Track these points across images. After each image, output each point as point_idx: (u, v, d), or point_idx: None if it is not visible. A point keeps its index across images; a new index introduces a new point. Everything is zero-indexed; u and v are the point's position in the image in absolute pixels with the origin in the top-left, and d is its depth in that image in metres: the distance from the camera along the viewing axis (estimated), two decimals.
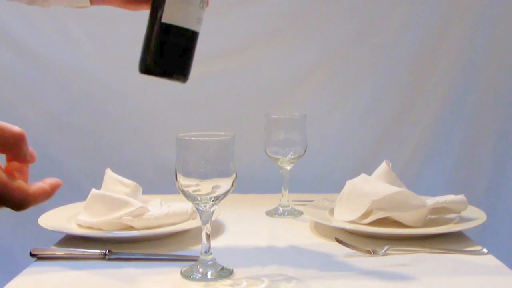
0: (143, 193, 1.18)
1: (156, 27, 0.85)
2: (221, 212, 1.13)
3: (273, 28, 1.58)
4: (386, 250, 0.97)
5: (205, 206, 0.86)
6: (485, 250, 0.98)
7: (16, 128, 0.61)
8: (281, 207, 1.27)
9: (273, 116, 1.25)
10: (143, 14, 1.55)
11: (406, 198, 1.06)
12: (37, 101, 1.58)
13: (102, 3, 0.89)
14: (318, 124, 1.55)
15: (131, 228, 1.06)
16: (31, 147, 1.62)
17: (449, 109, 1.60)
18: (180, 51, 0.85)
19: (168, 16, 0.84)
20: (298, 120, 1.25)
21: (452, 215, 1.11)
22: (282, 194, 1.27)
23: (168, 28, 0.84)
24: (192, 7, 0.84)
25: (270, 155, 1.25)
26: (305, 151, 1.24)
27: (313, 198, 1.26)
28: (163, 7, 0.84)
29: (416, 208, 1.06)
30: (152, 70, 0.84)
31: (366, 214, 1.07)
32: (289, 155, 1.24)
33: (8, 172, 0.59)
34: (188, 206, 1.11)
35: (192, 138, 0.85)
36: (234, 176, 0.85)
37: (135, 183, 1.15)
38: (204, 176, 0.84)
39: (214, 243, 0.93)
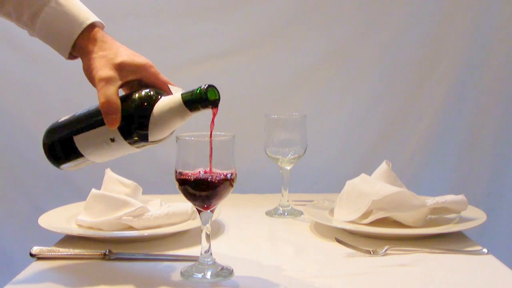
0: (143, 193, 1.18)
1: (70, 131, 0.87)
2: (221, 212, 1.13)
3: (273, 28, 1.58)
4: (386, 250, 0.97)
5: None
6: (485, 250, 0.98)
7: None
8: (281, 207, 1.27)
9: (273, 116, 1.25)
10: (143, 16, 1.56)
11: (406, 198, 1.06)
12: (37, 101, 1.58)
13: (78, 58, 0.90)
14: (318, 124, 1.55)
15: (131, 228, 1.07)
16: (31, 147, 1.63)
17: (449, 109, 1.60)
18: (72, 161, 0.89)
19: (79, 140, 0.85)
20: (298, 120, 1.25)
21: (452, 215, 1.11)
22: (282, 194, 1.27)
23: (73, 145, 0.86)
24: (102, 155, 0.86)
25: (270, 155, 1.25)
26: (305, 151, 1.24)
27: (313, 198, 1.27)
28: (83, 131, 0.85)
29: (416, 208, 1.06)
30: (43, 146, 0.92)
31: (366, 214, 1.07)
32: (289, 155, 1.24)
33: None
34: (188, 206, 1.11)
35: (192, 138, 0.85)
36: (234, 176, 0.85)
37: (135, 183, 1.16)
38: None
39: (214, 243, 0.93)
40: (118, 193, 1.11)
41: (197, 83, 1.63)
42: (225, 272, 0.87)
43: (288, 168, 1.25)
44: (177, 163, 0.85)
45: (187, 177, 0.83)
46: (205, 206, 0.86)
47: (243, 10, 1.56)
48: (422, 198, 1.08)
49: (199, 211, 0.86)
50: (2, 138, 1.57)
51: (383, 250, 0.97)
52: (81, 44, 0.85)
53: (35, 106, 1.58)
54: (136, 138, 0.82)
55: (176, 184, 0.85)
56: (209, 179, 0.83)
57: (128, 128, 0.81)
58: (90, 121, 0.85)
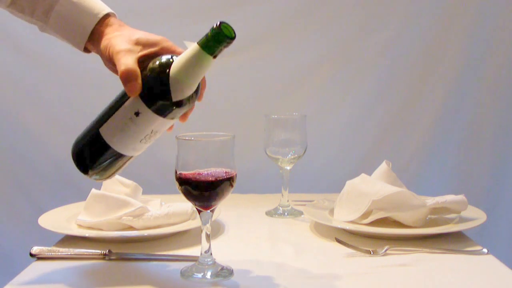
0: (143, 193, 1.18)
1: (95, 126, 0.83)
2: (221, 212, 1.13)
3: (273, 28, 1.58)
4: (386, 250, 0.97)
5: None
6: (485, 250, 0.98)
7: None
8: (281, 207, 1.27)
9: (273, 116, 1.25)
10: (143, 16, 1.56)
11: (406, 198, 1.06)
12: (37, 101, 1.58)
13: (95, 52, 0.88)
14: (318, 124, 1.55)
15: (131, 228, 1.07)
16: (31, 147, 1.62)
17: (449, 109, 1.60)
18: (102, 161, 0.83)
19: (105, 130, 0.81)
20: (298, 120, 1.25)
21: (452, 215, 1.11)
22: (282, 194, 1.27)
23: (100, 139, 0.81)
24: (131, 139, 0.81)
25: (270, 155, 1.25)
26: (305, 151, 1.24)
27: (313, 198, 1.27)
28: (107, 119, 0.81)
29: (416, 208, 1.06)
30: (72, 156, 0.85)
31: (366, 214, 1.07)
32: (289, 155, 1.24)
33: None
34: (188, 206, 1.11)
35: (192, 138, 0.85)
36: (234, 176, 0.85)
37: (135, 183, 1.16)
38: None
39: (214, 243, 0.93)
40: (118, 193, 1.11)
41: None
42: (225, 272, 0.87)
43: (288, 168, 1.25)
44: (177, 163, 0.85)
45: (187, 177, 0.83)
46: (205, 206, 0.86)
47: (242, 10, 1.56)
48: (422, 198, 1.08)
49: (199, 211, 0.87)
50: (2, 138, 1.57)
51: (383, 250, 0.97)
52: (97, 31, 0.84)
53: (35, 106, 1.58)
54: (159, 102, 0.78)
55: (176, 184, 0.85)
56: (209, 179, 0.83)
57: (149, 93, 0.78)
58: (112, 107, 0.82)
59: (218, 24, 0.76)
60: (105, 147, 0.82)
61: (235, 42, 0.81)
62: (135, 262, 0.95)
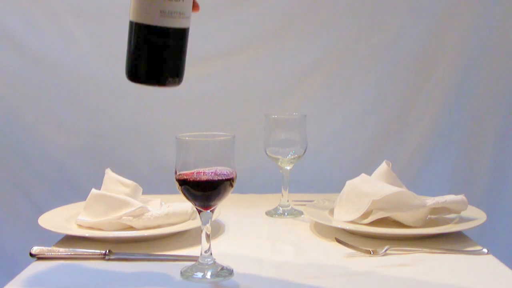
0: (143, 193, 1.18)
1: (128, 28, 0.76)
2: (221, 212, 1.13)
3: (273, 28, 1.58)
4: (386, 250, 0.97)
5: None
6: (485, 250, 0.98)
7: None
8: (281, 207, 1.27)
9: (273, 116, 1.25)
10: None
11: (406, 198, 1.06)
12: (37, 101, 1.58)
13: None
14: (318, 124, 1.54)
15: (131, 228, 1.07)
16: (31, 147, 1.62)
17: (449, 109, 1.60)
18: (148, 52, 0.76)
19: (133, 12, 0.75)
20: (298, 120, 1.25)
21: (452, 215, 1.11)
22: (282, 194, 1.27)
23: (135, 26, 0.75)
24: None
25: (270, 155, 1.25)
26: (305, 151, 1.24)
27: (313, 198, 1.26)
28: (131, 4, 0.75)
29: (416, 208, 1.06)
30: (128, 77, 0.77)
31: (366, 214, 1.07)
32: (289, 155, 1.24)
33: None
34: (188, 206, 1.11)
35: (192, 138, 0.86)
36: (234, 176, 0.85)
37: (135, 183, 1.16)
38: None
39: (214, 243, 0.93)
40: (118, 193, 1.11)
41: (197, 83, 1.64)
42: (225, 272, 0.87)
43: (288, 168, 1.25)
44: (177, 163, 0.85)
45: (187, 177, 0.83)
46: (205, 206, 0.86)
47: (242, 10, 1.56)
48: (422, 198, 1.08)
49: (199, 211, 0.87)
50: (2, 138, 1.57)
51: (383, 250, 0.97)
52: None
53: (36, 106, 1.58)
54: None
55: (176, 184, 0.85)
56: (209, 179, 0.83)
57: None
58: None
59: None
60: (141, 29, 0.75)
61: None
62: (135, 262, 0.95)
